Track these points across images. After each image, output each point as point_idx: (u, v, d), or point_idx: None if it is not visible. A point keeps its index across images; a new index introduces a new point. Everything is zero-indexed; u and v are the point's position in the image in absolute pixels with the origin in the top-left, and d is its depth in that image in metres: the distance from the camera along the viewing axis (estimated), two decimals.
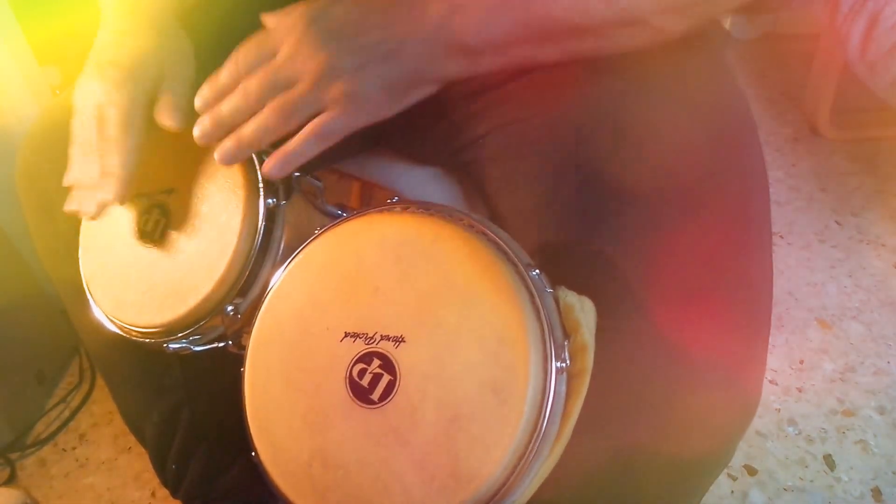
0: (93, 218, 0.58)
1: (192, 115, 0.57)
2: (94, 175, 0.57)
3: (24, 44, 1.16)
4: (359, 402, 0.47)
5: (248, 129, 0.54)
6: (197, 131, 0.55)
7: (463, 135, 0.69)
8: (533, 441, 0.43)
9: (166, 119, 0.57)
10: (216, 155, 0.55)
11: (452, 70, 0.56)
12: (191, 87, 0.60)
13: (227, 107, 0.54)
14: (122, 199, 0.57)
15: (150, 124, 0.58)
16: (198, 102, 0.56)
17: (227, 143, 0.54)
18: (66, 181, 0.59)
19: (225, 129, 0.55)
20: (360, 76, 0.53)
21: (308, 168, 0.59)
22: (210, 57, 0.61)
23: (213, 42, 0.64)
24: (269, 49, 0.54)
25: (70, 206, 0.58)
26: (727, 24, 1.93)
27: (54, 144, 0.71)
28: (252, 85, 0.54)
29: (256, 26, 0.58)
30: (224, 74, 0.55)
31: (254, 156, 0.58)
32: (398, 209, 0.52)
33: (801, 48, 1.83)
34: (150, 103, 0.59)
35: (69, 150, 0.59)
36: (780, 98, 1.78)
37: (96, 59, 0.60)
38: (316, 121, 0.54)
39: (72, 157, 0.59)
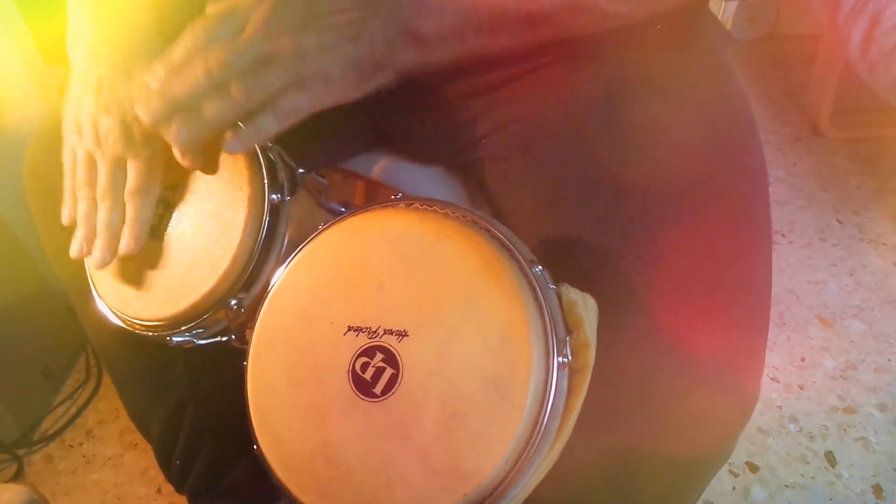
0: (101, 267, 0.58)
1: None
2: (111, 222, 0.57)
3: (30, 43, 1.17)
4: (361, 396, 0.47)
5: (212, 109, 0.49)
6: (142, 111, 0.50)
7: (464, 135, 0.69)
8: (534, 436, 0.43)
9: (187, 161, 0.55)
10: (172, 138, 0.50)
11: (409, 58, 0.54)
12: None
13: (183, 84, 0.49)
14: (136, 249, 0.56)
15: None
16: (152, 82, 0.50)
17: (187, 125, 0.50)
18: (65, 220, 0.58)
19: (180, 108, 0.49)
20: (329, 56, 0.51)
21: (313, 165, 0.60)
22: None
23: None
24: (233, 25, 0.50)
25: (77, 251, 0.58)
26: (728, 24, 1.93)
27: (61, 144, 0.72)
28: (214, 61, 0.49)
29: None
30: (180, 51, 0.50)
31: (258, 152, 0.59)
32: (402, 205, 0.52)
33: (802, 48, 1.83)
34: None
35: (63, 183, 0.58)
36: (781, 98, 1.78)
37: (89, 83, 0.58)
38: (282, 99, 0.50)
39: (70, 195, 0.59)
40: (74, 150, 0.59)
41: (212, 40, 0.50)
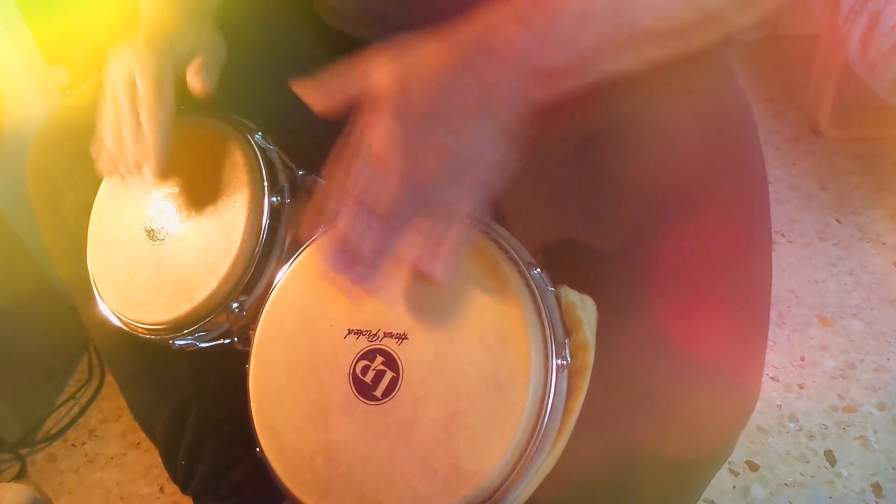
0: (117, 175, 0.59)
1: (219, 84, 0.61)
2: (127, 142, 0.58)
3: (32, 44, 1.16)
4: (362, 399, 0.47)
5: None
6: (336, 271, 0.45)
7: None
8: (534, 438, 0.44)
9: (197, 82, 0.60)
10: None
11: (542, 95, 0.49)
12: (222, 65, 0.64)
13: (368, 243, 0.45)
14: (161, 167, 0.57)
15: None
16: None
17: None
18: (95, 149, 0.60)
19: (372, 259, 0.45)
20: (479, 145, 0.46)
21: (313, 167, 0.60)
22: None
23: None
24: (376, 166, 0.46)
25: (103, 171, 0.60)
26: None
27: (63, 144, 0.72)
28: (380, 214, 0.45)
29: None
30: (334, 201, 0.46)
31: (257, 152, 0.59)
32: None
33: (801, 49, 1.83)
34: (181, 79, 0.60)
35: (98, 119, 0.60)
36: (781, 98, 1.78)
37: (132, 40, 0.62)
38: (460, 204, 0.46)
39: (101, 125, 0.60)
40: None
41: (364, 189, 0.46)
